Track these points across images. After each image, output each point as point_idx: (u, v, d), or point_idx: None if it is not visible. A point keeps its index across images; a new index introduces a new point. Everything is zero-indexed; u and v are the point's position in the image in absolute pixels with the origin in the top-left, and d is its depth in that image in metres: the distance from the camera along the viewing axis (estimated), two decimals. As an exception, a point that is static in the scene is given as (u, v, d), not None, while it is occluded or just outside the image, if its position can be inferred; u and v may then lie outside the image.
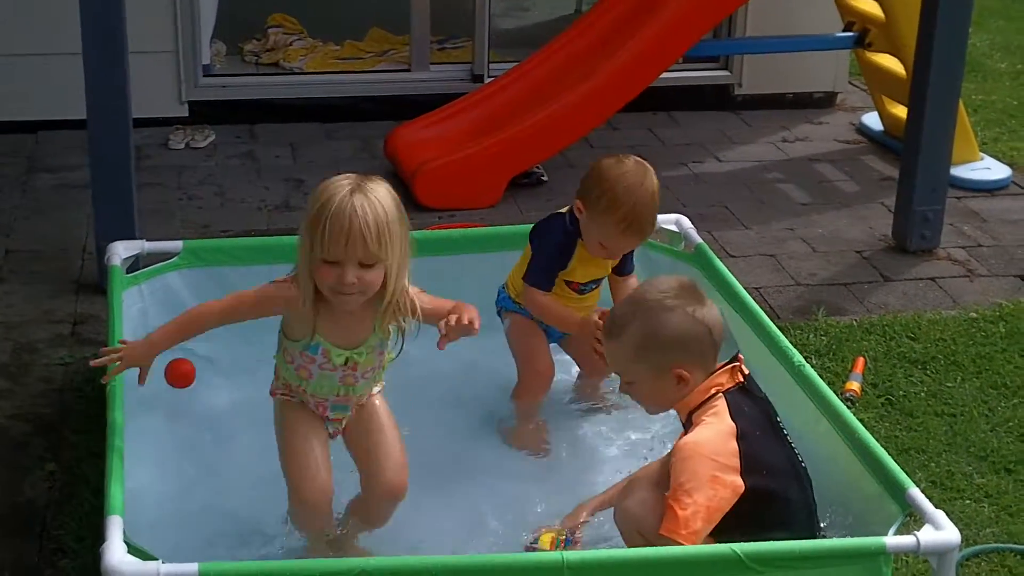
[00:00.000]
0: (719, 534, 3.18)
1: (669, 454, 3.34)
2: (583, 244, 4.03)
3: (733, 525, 3.17)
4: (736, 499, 3.17)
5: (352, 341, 3.42)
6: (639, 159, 4.03)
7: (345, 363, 3.43)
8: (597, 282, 4.15)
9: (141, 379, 3.40)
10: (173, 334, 3.46)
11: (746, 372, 3.37)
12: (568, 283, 4.10)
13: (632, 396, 3.44)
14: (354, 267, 3.24)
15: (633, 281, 4.17)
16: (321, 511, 3.45)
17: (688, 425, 3.32)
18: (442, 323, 3.38)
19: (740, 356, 3.39)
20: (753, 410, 3.31)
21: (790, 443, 3.36)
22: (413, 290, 3.44)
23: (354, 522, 3.56)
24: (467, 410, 4.17)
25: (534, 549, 3.52)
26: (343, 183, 3.28)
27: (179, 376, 3.95)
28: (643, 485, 3.35)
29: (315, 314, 3.37)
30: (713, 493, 3.15)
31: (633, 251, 4.18)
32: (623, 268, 4.18)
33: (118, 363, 3.38)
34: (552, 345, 4.22)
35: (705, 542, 3.15)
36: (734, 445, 3.20)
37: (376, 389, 3.59)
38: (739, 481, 3.17)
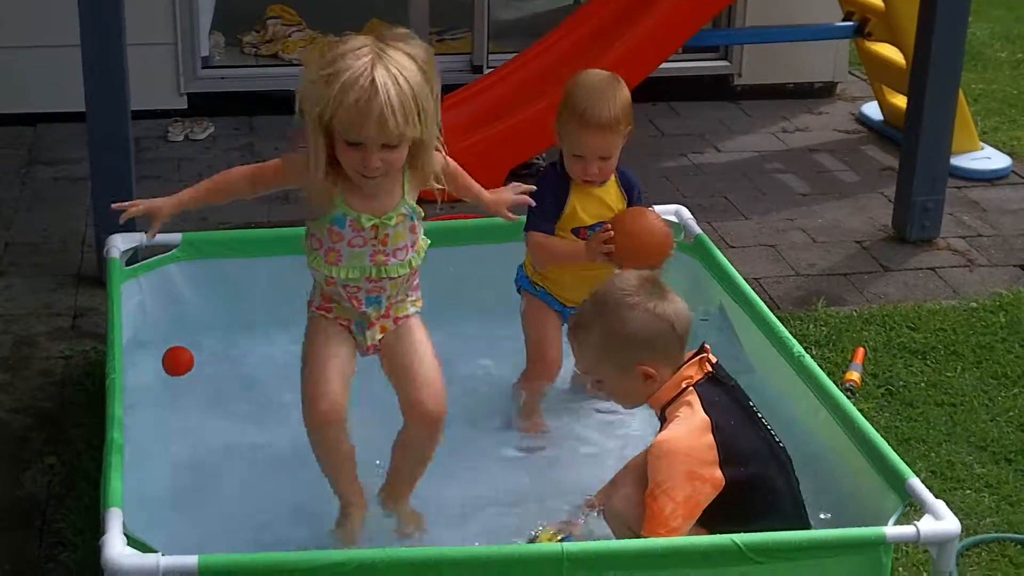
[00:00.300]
0: (707, 527, 3.18)
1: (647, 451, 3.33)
2: (576, 182, 4.02)
3: (720, 517, 3.17)
4: (717, 492, 3.17)
5: (380, 208, 3.30)
6: (612, 73, 4.05)
7: (375, 233, 3.30)
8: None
9: (151, 233, 3.39)
10: (201, 193, 3.43)
11: (714, 360, 3.35)
12: (576, 232, 4.04)
13: (601, 395, 3.46)
14: (378, 149, 3.12)
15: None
16: (329, 426, 3.32)
17: (663, 420, 3.31)
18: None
19: (707, 346, 3.37)
20: (724, 399, 3.29)
21: (766, 426, 3.34)
22: (439, 156, 3.36)
23: (397, 472, 3.50)
24: (476, 395, 4.17)
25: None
26: (362, 48, 3.09)
27: (177, 364, 3.97)
28: (627, 481, 3.34)
29: (335, 182, 3.25)
30: (692, 489, 3.15)
31: (640, 191, 4.13)
32: (633, 202, 4.10)
33: (132, 208, 3.37)
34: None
35: (693, 534, 3.15)
36: (709, 438, 3.19)
37: (413, 309, 3.51)
38: (718, 474, 3.17)
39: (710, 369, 3.33)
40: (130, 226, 4.71)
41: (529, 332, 4.17)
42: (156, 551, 2.85)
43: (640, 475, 3.30)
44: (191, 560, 2.81)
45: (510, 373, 4.21)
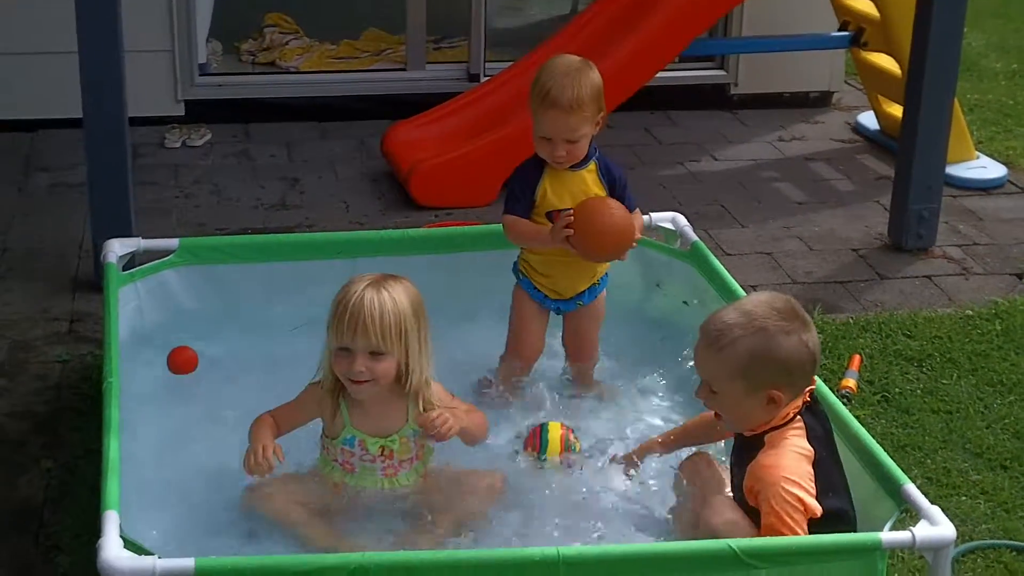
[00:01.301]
0: None
1: (737, 469, 3.34)
2: (550, 167, 4.05)
3: None
4: (811, 518, 3.16)
5: (384, 430, 3.53)
6: (584, 59, 4.07)
7: (381, 453, 3.52)
8: None
9: (279, 456, 3.48)
10: (261, 431, 3.53)
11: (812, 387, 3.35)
12: (550, 216, 4.07)
13: (709, 404, 3.38)
14: (363, 356, 3.38)
15: (638, 217, 4.18)
16: None
17: (756, 443, 3.27)
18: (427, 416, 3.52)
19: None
20: (820, 431, 3.31)
21: (836, 451, 3.37)
22: (438, 388, 3.57)
23: None
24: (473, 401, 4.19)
25: (536, 436, 3.73)
26: (364, 278, 3.44)
27: (181, 363, 3.98)
28: (727, 504, 3.30)
29: (344, 406, 3.51)
30: (803, 511, 3.14)
31: (627, 186, 4.14)
32: (621, 202, 4.09)
33: (262, 459, 3.46)
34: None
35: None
36: (809, 468, 3.20)
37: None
38: (816, 504, 3.16)
39: (808, 398, 3.32)
40: (127, 231, 4.76)
41: (510, 320, 4.24)
42: (153, 554, 2.85)
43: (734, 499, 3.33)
44: (188, 563, 2.81)
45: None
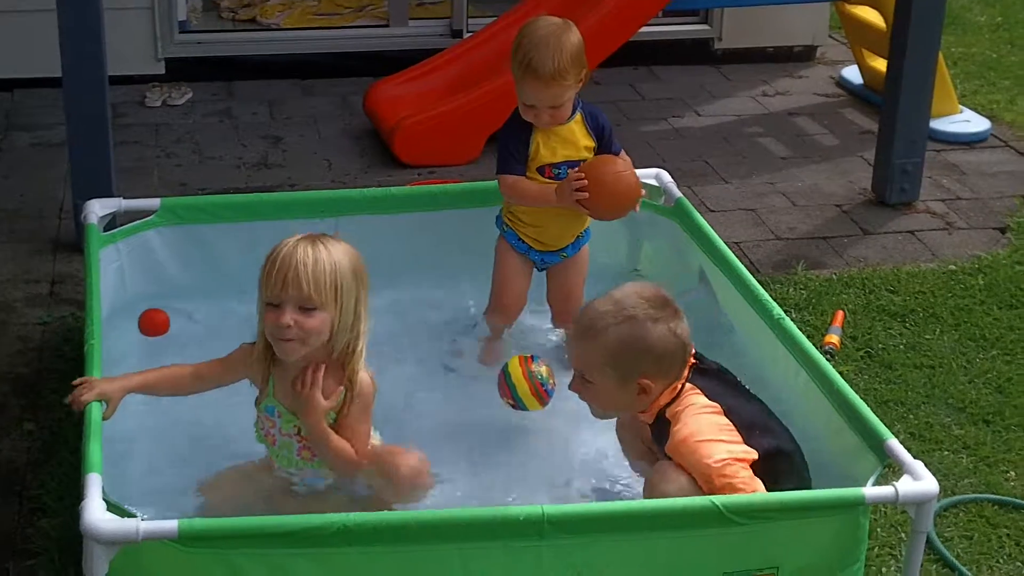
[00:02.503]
0: None
1: (659, 447, 3.34)
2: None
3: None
4: (752, 459, 3.18)
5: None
6: (565, 20, 4.03)
7: (298, 431, 3.33)
8: (573, 164, 4.08)
9: (107, 414, 3.25)
10: (148, 384, 3.39)
11: (693, 351, 3.36)
12: (541, 171, 4.07)
13: (581, 395, 3.40)
14: (292, 309, 3.18)
15: (624, 159, 4.15)
16: None
17: (662, 424, 3.29)
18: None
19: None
20: (716, 384, 3.32)
21: (754, 395, 3.39)
22: (367, 381, 3.33)
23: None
24: (457, 358, 4.21)
25: (502, 375, 3.70)
26: (298, 235, 3.27)
27: (153, 325, 3.96)
28: (679, 469, 3.27)
29: (270, 371, 3.33)
30: (739, 463, 3.15)
31: (612, 132, 4.14)
32: (608, 148, 4.12)
33: (83, 396, 3.25)
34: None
35: None
36: (723, 420, 3.22)
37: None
38: (749, 448, 3.19)
39: (693, 360, 3.34)
40: (108, 191, 4.73)
41: (494, 272, 4.23)
42: (136, 516, 2.85)
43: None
44: (171, 525, 2.80)
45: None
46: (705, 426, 3.21)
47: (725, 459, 3.15)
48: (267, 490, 3.42)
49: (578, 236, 4.22)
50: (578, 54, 3.96)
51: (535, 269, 4.25)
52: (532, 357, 3.82)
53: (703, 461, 3.15)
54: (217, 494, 3.38)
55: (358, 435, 3.33)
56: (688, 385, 3.29)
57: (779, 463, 3.26)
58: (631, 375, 3.26)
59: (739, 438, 3.20)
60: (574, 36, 3.98)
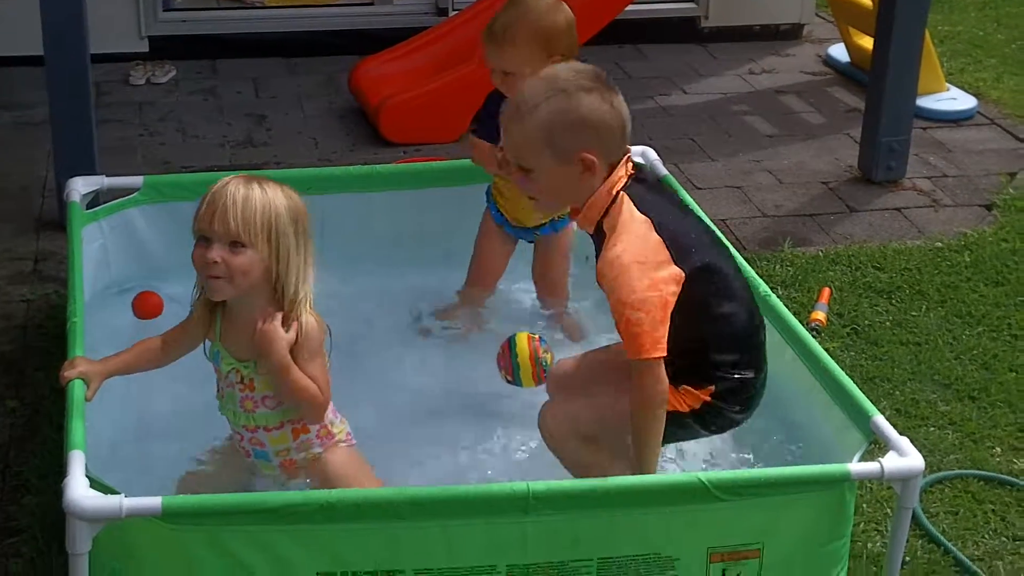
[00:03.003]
0: (674, 334, 3.09)
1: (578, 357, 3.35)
2: None
3: (686, 314, 3.10)
4: (679, 287, 3.09)
5: (244, 351, 3.22)
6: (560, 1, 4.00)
7: (241, 379, 3.23)
8: None
9: (88, 396, 3.18)
10: (127, 364, 3.32)
11: (634, 162, 3.24)
12: None
13: (525, 187, 3.23)
14: (220, 246, 3.08)
15: None
16: None
17: (600, 236, 3.18)
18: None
19: (627, 148, 3.24)
20: (655, 196, 3.21)
21: (693, 212, 3.32)
22: (316, 324, 3.18)
23: None
24: (442, 340, 4.19)
25: (507, 357, 3.64)
26: (234, 175, 3.18)
27: (147, 308, 3.94)
28: (552, 404, 3.29)
29: (219, 316, 3.25)
30: (658, 295, 3.06)
31: None
32: None
33: (71, 369, 3.20)
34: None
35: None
36: (655, 237, 3.10)
37: (319, 449, 3.31)
38: (676, 269, 3.08)
39: (633, 170, 3.21)
40: (91, 169, 4.70)
41: (476, 241, 4.24)
42: (119, 493, 2.83)
43: (565, 385, 3.35)
44: (155, 501, 2.79)
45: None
46: (632, 245, 3.08)
47: (643, 297, 3.04)
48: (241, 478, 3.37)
49: (554, 219, 4.20)
50: (544, 30, 3.88)
51: (526, 242, 4.24)
52: (540, 339, 3.74)
53: (621, 292, 3.05)
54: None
55: (314, 377, 3.18)
56: (622, 194, 3.15)
57: (711, 281, 3.17)
58: (570, 151, 3.10)
59: (668, 258, 3.09)
60: (550, 13, 3.91)
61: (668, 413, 3.16)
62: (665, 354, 3.08)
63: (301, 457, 3.30)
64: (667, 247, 3.09)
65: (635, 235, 3.09)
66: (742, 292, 3.27)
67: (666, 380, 3.11)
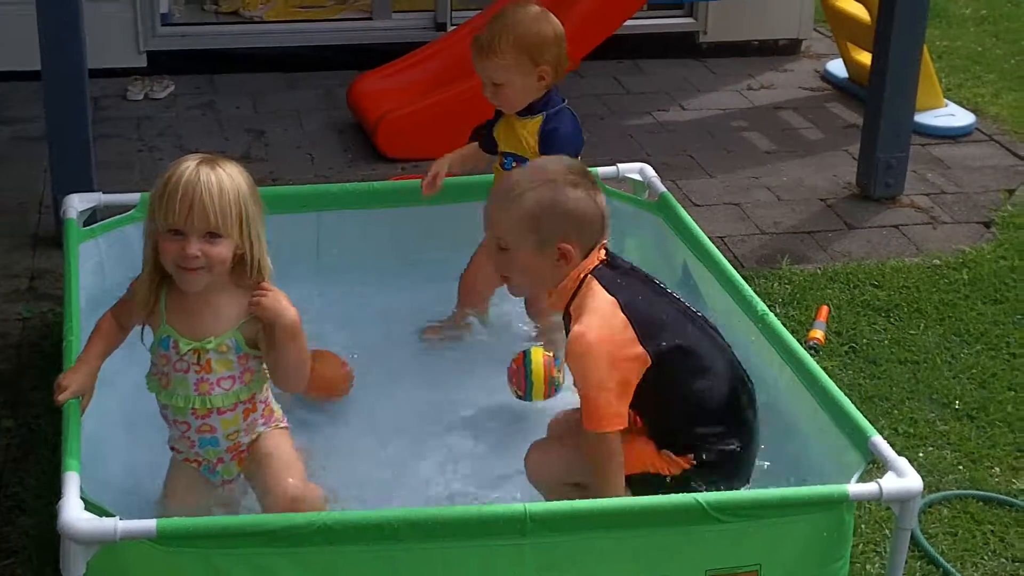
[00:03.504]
0: (650, 409, 3.23)
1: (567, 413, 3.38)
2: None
3: (652, 394, 3.19)
4: (645, 367, 3.17)
5: (201, 331, 3.21)
6: (544, 10, 4.03)
7: (197, 360, 3.20)
8: (519, 159, 4.06)
9: (84, 406, 3.19)
10: (103, 354, 3.31)
11: (607, 250, 3.33)
12: (500, 156, 4.16)
13: (499, 267, 3.33)
14: (198, 238, 3.08)
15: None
16: None
17: (568, 320, 3.28)
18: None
19: (604, 239, 3.33)
20: (625, 279, 3.29)
21: (670, 293, 3.36)
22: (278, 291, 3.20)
23: None
24: (439, 356, 4.19)
25: (521, 373, 3.69)
26: (191, 158, 3.15)
27: None
28: (539, 445, 3.34)
29: (163, 300, 3.22)
30: (619, 374, 3.14)
31: (562, 148, 3.99)
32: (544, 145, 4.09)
33: (63, 392, 3.18)
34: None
35: (636, 425, 3.21)
36: (622, 317, 3.18)
37: (263, 428, 3.33)
38: (640, 350, 3.16)
39: (604, 257, 3.30)
40: (88, 186, 4.69)
41: (471, 259, 4.25)
42: (114, 515, 2.82)
43: (559, 436, 3.38)
44: (149, 524, 2.77)
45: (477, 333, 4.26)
46: (597, 325, 3.16)
47: (603, 375, 3.12)
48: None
49: None
50: (531, 41, 3.91)
51: None
52: (554, 358, 3.79)
53: (585, 370, 3.14)
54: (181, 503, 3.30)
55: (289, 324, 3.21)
56: (589, 277, 3.25)
57: (683, 361, 3.23)
58: (550, 239, 3.21)
59: (634, 338, 3.16)
60: (536, 23, 3.94)
61: (648, 475, 3.25)
62: (623, 427, 3.18)
63: (247, 441, 3.31)
64: (634, 328, 3.18)
65: (599, 315, 3.19)
66: (723, 368, 3.31)
67: (620, 450, 3.20)
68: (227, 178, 3.11)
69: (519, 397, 3.79)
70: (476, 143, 4.22)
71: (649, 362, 3.17)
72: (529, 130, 4.07)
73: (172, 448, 3.37)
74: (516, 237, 3.25)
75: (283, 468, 3.27)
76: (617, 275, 3.28)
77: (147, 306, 3.24)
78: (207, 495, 3.35)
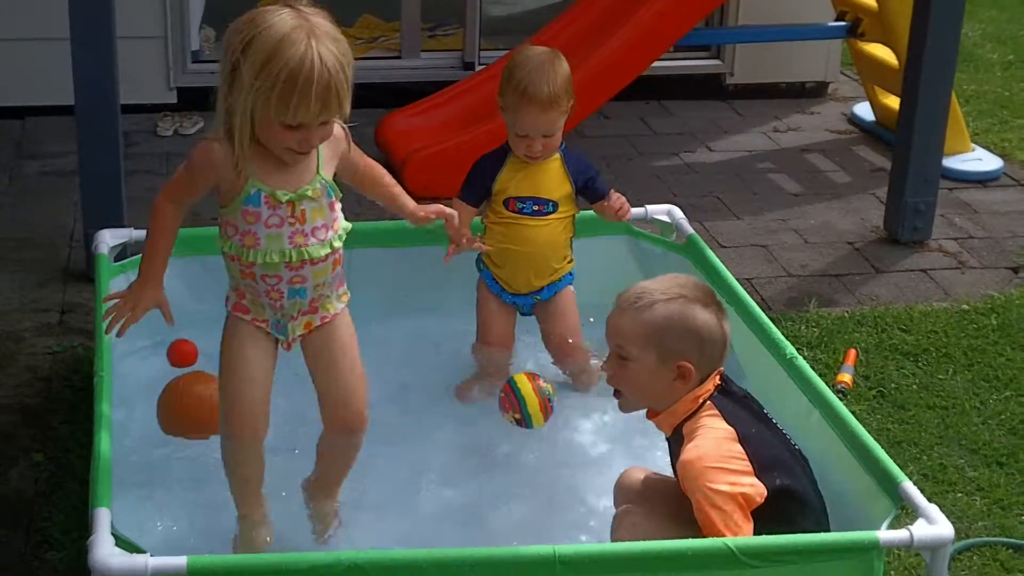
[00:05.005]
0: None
1: (661, 476, 3.33)
2: (514, 155, 4.06)
3: (763, 531, 3.11)
4: (760, 500, 3.11)
5: (295, 182, 3.18)
6: (551, 48, 4.07)
7: (292, 211, 3.17)
8: (541, 203, 4.09)
9: (168, 318, 3.23)
10: (165, 257, 3.27)
11: (722, 372, 3.32)
12: (506, 204, 4.10)
13: (614, 379, 3.29)
14: (317, 127, 3.06)
15: (616, 198, 4.13)
16: (246, 447, 3.28)
17: (678, 440, 3.23)
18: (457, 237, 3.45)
19: (721, 366, 3.32)
20: (740, 410, 3.26)
21: (780, 429, 3.33)
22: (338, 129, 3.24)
23: (322, 472, 3.47)
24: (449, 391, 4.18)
25: (510, 393, 3.70)
26: (293, 27, 2.97)
27: (182, 356, 3.94)
28: (635, 508, 3.28)
29: (238, 156, 3.12)
30: (740, 493, 3.08)
31: (597, 173, 4.14)
32: (595, 192, 4.13)
33: (129, 316, 3.21)
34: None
35: None
36: (739, 448, 3.14)
37: (340, 305, 3.39)
38: (757, 481, 3.11)
39: (719, 382, 3.29)
40: (118, 220, 4.72)
41: (476, 312, 4.24)
42: (144, 551, 2.82)
43: (646, 500, 3.30)
44: (180, 561, 2.78)
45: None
46: (714, 450, 3.13)
47: (724, 491, 3.07)
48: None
49: (553, 281, 4.20)
50: (569, 81, 3.99)
51: (519, 313, 4.25)
52: (535, 375, 3.81)
53: (704, 486, 3.07)
54: None
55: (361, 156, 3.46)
56: (708, 403, 3.23)
57: (790, 504, 3.18)
58: (672, 356, 3.19)
59: (750, 470, 3.12)
60: (564, 64, 4.01)
61: None
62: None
63: (326, 300, 3.34)
64: (751, 460, 3.13)
65: (716, 440, 3.15)
66: (819, 510, 3.27)
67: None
68: (339, 55, 3.00)
69: (517, 421, 3.79)
70: (468, 205, 4.13)
71: (764, 496, 3.11)
72: (553, 171, 4.09)
73: (235, 311, 3.34)
74: (639, 348, 3.22)
75: (348, 382, 3.35)
76: (732, 403, 3.25)
77: (235, 168, 3.12)
78: (271, 358, 3.34)
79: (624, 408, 3.37)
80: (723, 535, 3.04)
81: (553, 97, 3.91)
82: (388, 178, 3.64)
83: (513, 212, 4.10)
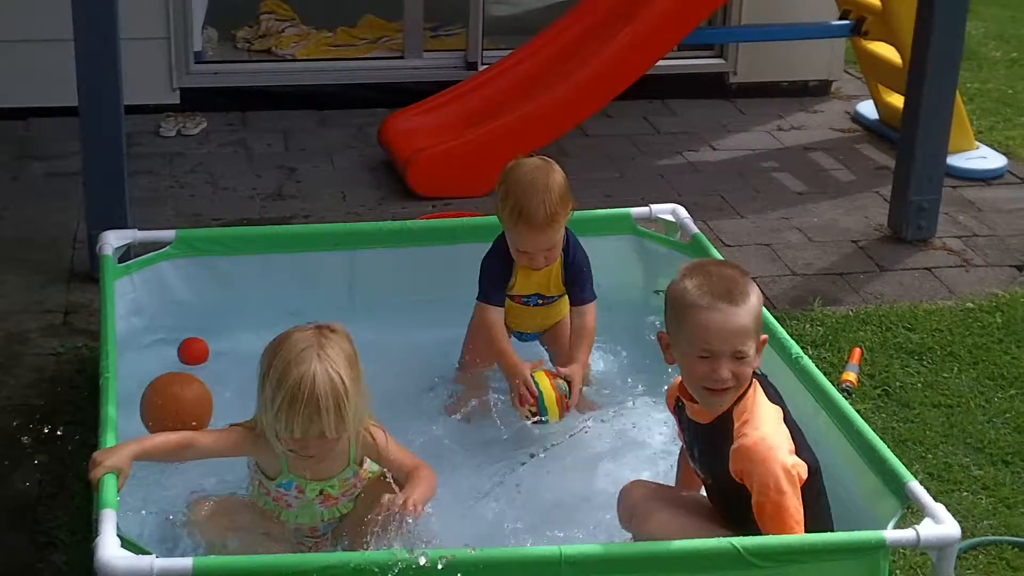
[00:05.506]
0: None
1: (708, 458, 3.28)
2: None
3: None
4: (804, 480, 3.12)
5: (324, 473, 3.35)
6: (544, 158, 4.02)
7: (320, 494, 3.35)
8: (544, 298, 4.13)
9: (121, 486, 3.12)
10: (147, 452, 3.28)
11: None
12: (512, 298, 4.12)
13: (732, 379, 3.11)
14: (316, 441, 3.18)
15: (589, 312, 4.08)
16: None
17: (725, 424, 3.17)
18: (386, 498, 3.24)
19: None
20: (769, 387, 3.27)
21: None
22: (381, 435, 3.36)
23: None
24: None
25: (528, 387, 3.75)
26: (303, 345, 3.16)
27: (194, 354, 3.95)
28: (656, 507, 3.28)
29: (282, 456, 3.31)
30: (792, 483, 3.08)
31: (588, 279, 4.09)
32: (578, 296, 4.10)
33: (97, 468, 3.14)
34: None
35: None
36: (785, 429, 3.16)
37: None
38: (802, 463, 3.12)
39: None
40: (122, 221, 4.73)
41: (468, 334, 4.20)
42: (150, 553, 2.82)
43: (667, 499, 3.31)
44: (185, 563, 2.78)
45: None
46: (775, 434, 3.11)
47: (789, 471, 3.06)
48: (260, 524, 3.38)
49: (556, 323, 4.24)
50: (565, 193, 3.94)
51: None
52: (554, 373, 3.88)
53: (772, 469, 3.04)
54: (204, 528, 3.30)
55: (400, 458, 3.38)
56: (755, 382, 3.20)
57: (815, 481, 3.20)
58: (758, 335, 3.16)
59: (793, 448, 3.14)
60: (558, 175, 3.96)
61: None
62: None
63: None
64: (793, 441, 3.15)
65: (774, 423, 3.14)
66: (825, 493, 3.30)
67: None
68: (338, 380, 3.13)
69: (532, 414, 3.80)
70: (497, 307, 4.09)
71: (807, 474, 3.12)
72: (555, 271, 4.09)
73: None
74: (749, 344, 3.14)
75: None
76: (765, 382, 3.24)
77: (269, 457, 3.31)
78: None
79: (717, 410, 3.21)
80: (790, 513, 3.05)
81: (550, 218, 3.89)
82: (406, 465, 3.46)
83: (519, 304, 4.14)
